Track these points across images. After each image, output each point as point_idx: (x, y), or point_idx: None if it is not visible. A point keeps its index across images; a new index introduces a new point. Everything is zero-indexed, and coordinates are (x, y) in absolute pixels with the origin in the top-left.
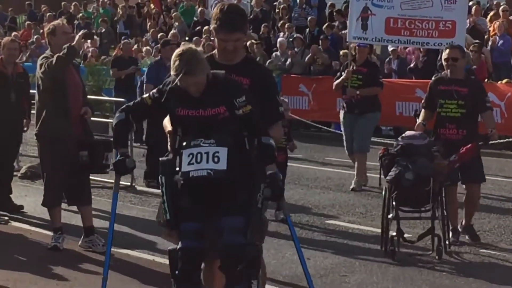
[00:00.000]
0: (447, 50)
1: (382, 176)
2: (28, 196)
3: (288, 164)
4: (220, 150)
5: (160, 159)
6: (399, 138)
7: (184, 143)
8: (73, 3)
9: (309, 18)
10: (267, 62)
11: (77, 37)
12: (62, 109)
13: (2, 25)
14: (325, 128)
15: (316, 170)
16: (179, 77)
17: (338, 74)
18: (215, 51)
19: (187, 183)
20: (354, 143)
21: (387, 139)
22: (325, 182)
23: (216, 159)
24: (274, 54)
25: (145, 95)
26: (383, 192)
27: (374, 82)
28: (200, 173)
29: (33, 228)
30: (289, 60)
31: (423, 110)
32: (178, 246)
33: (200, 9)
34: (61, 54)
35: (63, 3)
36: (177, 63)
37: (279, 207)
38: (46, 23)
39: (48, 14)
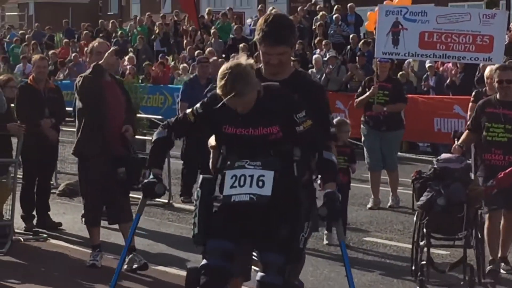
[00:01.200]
0: (497, 72)
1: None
2: (66, 213)
3: None
4: (266, 174)
5: (202, 176)
6: (434, 161)
7: (228, 163)
8: (111, 21)
9: (351, 36)
10: None
11: (106, 54)
12: (99, 127)
13: (40, 43)
14: (362, 144)
15: (353, 187)
16: (226, 99)
17: (359, 90)
18: (262, 64)
19: (228, 207)
20: (385, 160)
21: (424, 156)
22: (362, 199)
23: (260, 183)
24: (310, 71)
25: (188, 111)
26: (415, 218)
27: (399, 98)
28: (243, 198)
29: (71, 246)
30: (324, 76)
31: (466, 132)
32: (202, 263)
33: (236, 26)
34: (87, 73)
35: (100, 20)
36: (223, 82)
37: (330, 227)
38: (83, 41)
39: (85, 32)
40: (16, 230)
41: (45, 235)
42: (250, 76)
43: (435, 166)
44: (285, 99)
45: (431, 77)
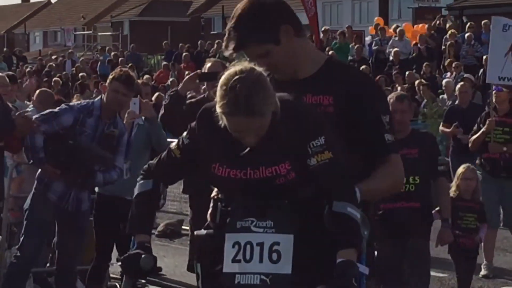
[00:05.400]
0: None
1: None
2: (167, 256)
3: None
4: (282, 240)
5: (195, 233)
6: None
7: (228, 220)
8: (216, 41)
9: (484, 57)
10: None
11: (186, 78)
12: None
13: (137, 66)
14: None
15: None
16: (231, 120)
17: (475, 128)
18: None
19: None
20: (504, 215)
21: None
22: (500, 243)
23: (275, 256)
24: (440, 97)
25: (173, 144)
26: None
27: None
28: (251, 280)
29: None
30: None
31: None
32: None
33: (357, 46)
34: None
35: (200, 41)
36: (229, 95)
37: None
38: (183, 64)
39: (184, 54)
40: (112, 275)
41: (143, 281)
42: (268, 85)
43: None
44: (300, 120)
45: None
